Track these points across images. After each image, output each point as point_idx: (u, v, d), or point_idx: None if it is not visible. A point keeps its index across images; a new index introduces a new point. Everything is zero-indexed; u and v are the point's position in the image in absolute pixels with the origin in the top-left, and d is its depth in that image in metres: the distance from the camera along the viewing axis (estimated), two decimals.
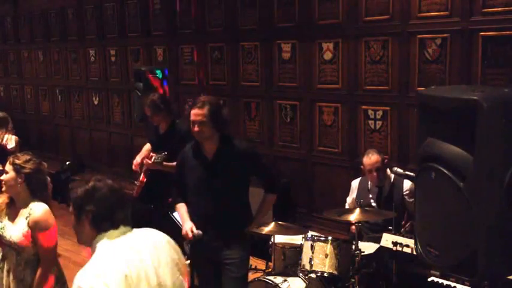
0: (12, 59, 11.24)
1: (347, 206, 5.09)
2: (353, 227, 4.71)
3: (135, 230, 2.38)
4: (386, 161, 4.85)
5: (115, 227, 2.29)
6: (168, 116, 5.24)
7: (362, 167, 4.85)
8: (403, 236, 4.17)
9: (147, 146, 5.49)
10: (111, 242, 2.26)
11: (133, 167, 5.43)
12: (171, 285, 2.32)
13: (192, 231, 3.62)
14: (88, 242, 2.34)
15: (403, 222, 4.60)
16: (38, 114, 10.82)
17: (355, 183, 5.07)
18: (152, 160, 5.09)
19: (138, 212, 4.95)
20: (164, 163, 5.00)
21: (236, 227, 3.78)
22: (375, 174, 4.74)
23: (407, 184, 4.73)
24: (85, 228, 2.31)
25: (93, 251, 2.28)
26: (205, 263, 3.80)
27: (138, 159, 5.40)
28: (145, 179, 5.39)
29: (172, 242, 2.48)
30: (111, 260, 2.20)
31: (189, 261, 5.27)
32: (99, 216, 2.28)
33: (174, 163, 4.32)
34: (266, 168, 3.97)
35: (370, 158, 4.75)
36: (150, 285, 2.23)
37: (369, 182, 4.91)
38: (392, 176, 4.77)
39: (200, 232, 3.61)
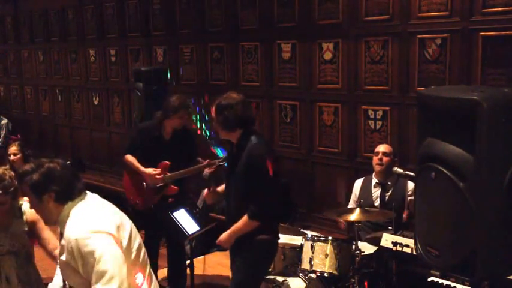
0: (12, 59, 11.24)
1: (350, 206, 5.09)
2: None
3: (88, 192, 2.63)
4: (395, 162, 4.88)
5: (78, 195, 2.54)
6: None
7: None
8: (403, 236, 4.17)
9: (132, 158, 4.94)
10: (84, 202, 2.53)
11: (156, 180, 4.90)
12: (139, 239, 2.62)
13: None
14: (54, 218, 2.56)
15: (404, 215, 4.62)
16: (38, 114, 10.82)
17: (358, 183, 5.09)
18: (217, 164, 5.00)
19: (138, 212, 4.98)
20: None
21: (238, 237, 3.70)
22: (379, 158, 4.86)
23: (411, 185, 4.73)
24: (49, 206, 2.51)
25: (63, 221, 2.50)
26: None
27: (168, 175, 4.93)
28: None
29: None
30: (99, 213, 2.51)
31: (188, 261, 5.29)
32: (62, 193, 2.50)
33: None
34: (258, 189, 3.53)
35: (381, 145, 5.01)
36: (132, 235, 2.54)
37: (372, 182, 4.93)
38: (397, 176, 4.79)
39: None
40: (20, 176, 2.57)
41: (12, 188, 3.13)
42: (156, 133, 4.86)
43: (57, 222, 2.58)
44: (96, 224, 2.44)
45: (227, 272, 5.78)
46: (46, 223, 2.67)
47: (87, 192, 2.61)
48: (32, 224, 3.31)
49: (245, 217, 3.57)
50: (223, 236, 3.72)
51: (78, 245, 2.37)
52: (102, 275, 2.33)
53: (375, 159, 4.89)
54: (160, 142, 4.86)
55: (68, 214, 2.49)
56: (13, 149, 5.13)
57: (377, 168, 4.87)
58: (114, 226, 2.47)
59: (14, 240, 3.26)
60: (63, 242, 2.48)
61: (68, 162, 2.79)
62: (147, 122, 5.24)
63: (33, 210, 3.26)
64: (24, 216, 3.30)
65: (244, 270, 3.71)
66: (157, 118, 4.92)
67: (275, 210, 3.67)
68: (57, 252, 2.99)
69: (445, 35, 5.23)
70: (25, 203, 3.31)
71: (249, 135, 3.60)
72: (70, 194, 2.51)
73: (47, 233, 3.39)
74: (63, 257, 2.47)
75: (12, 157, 5.11)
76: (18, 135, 9.49)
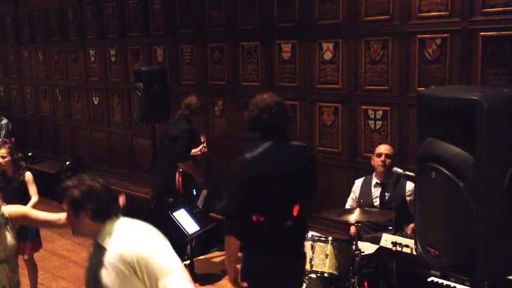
0: (12, 59, 11.24)
1: (347, 205, 5.09)
2: (352, 229, 4.73)
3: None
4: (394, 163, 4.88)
5: (114, 216, 2.65)
6: None
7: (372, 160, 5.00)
8: (403, 236, 4.17)
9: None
10: (125, 221, 2.66)
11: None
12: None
13: None
14: (87, 233, 2.69)
15: (405, 227, 4.60)
16: (38, 114, 10.82)
17: (358, 182, 5.09)
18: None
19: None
20: None
21: None
22: (383, 160, 4.85)
23: (409, 185, 4.74)
24: (84, 223, 2.63)
25: (104, 238, 2.60)
26: None
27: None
28: None
29: None
30: (143, 227, 2.65)
31: (188, 261, 5.29)
32: (97, 212, 2.60)
33: None
34: (227, 195, 3.39)
35: (383, 146, 5.00)
36: (167, 249, 2.60)
37: (373, 181, 4.93)
38: (396, 176, 4.79)
39: None
40: (62, 191, 2.67)
41: None
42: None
43: (86, 235, 2.73)
44: (148, 234, 2.61)
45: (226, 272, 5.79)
46: (73, 233, 2.74)
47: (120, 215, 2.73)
48: (23, 219, 3.31)
49: (226, 237, 3.39)
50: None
51: (139, 257, 2.49)
52: (170, 269, 2.48)
53: (378, 161, 4.87)
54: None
55: (111, 231, 2.61)
56: (1, 151, 5.13)
57: (379, 169, 4.86)
58: (161, 236, 2.64)
59: (7, 249, 3.27)
60: (108, 259, 2.55)
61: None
62: (187, 123, 5.71)
63: (12, 208, 3.31)
64: (9, 220, 3.27)
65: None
66: (184, 116, 5.65)
67: (248, 224, 3.33)
68: (63, 218, 3.09)
69: (445, 35, 5.23)
70: (3, 207, 3.29)
71: (261, 142, 3.40)
72: (106, 214, 2.63)
73: (40, 214, 3.40)
74: (110, 276, 2.53)
75: (0, 160, 5.10)
76: (13, 139, 9.51)
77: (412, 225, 4.48)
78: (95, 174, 2.98)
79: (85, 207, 2.59)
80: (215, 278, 5.43)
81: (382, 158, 4.85)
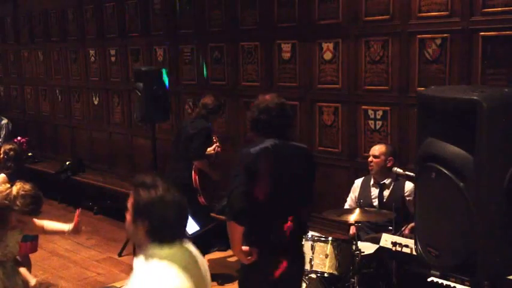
0: (12, 59, 11.23)
1: (347, 205, 5.10)
2: (352, 229, 4.74)
3: (185, 245, 2.33)
4: (390, 163, 4.87)
5: (169, 241, 2.24)
6: None
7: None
8: (402, 236, 4.17)
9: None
10: (167, 260, 2.21)
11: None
12: None
13: None
14: (139, 243, 2.31)
15: (406, 231, 4.60)
16: (38, 114, 10.81)
17: (358, 182, 5.11)
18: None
19: None
20: None
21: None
22: (370, 160, 4.92)
23: (408, 185, 4.74)
24: (139, 232, 2.26)
25: (142, 256, 2.25)
26: None
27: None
28: None
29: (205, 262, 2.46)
30: (168, 281, 2.18)
31: None
32: (155, 229, 2.22)
33: None
34: (231, 185, 3.39)
35: (374, 147, 5.04)
36: None
37: (371, 182, 4.94)
38: (395, 176, 4.80)
39: None
40: (134, 183, 2.31)
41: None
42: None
43: (137, 244, 2.43)
44: None
45: (227, 272, 5.79)
46: (128, 237, 2.42)
47: (181, 241, 2.32)
48: (41, 230, 3.32)
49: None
50: None
51: None
52: None
53: (369, 164, 4.96)
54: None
55: (148, 259, 2.23)
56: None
57: (369, 169, 4.94)
58: None
59: (6, 250, 3.25)
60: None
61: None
62: (205, 122, 5.71)
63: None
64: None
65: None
66: (201, 115, 5.68)
67: (247, 215, 3.37)
68: (65, 227, 3.05)
69: (445, 35, 5.23)
70: None
71: (261, 141, 3.46)
72: (161, 234, 2.23)
73: (46, 223, 3.42)
74: None
75: None
76: (24, 139, 9.62)
77: (411, 225, 4.49)
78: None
79: (144, 216, 2.22)
80: (215, 278, 5.43)
81: (370, 159, 4.92)
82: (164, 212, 2.21)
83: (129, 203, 2.29)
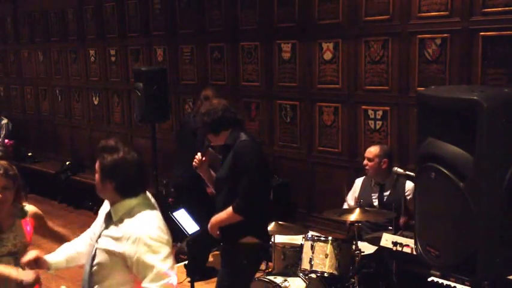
0: (12, 59, 11.23)
1: (346, 205, 5.09)
2: (352, 229, 4.75)
3: (146, 194, 2.70)
4: (384, 165, 4.83)
5: (135, 195, 2.61)
6: None
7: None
8: (402, 235, 4.17)
9: None
10: (147, 207, 2.62)
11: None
12: None
13: None
14: (109, 199, 2.67)
15: (401, 220, 4.61)
16: (38, 114, 10.81)
17: (358, 181, 5.10)
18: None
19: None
20: None
21: (224, 234, 3.71)
22: (365, 163, 4.89)
23: (409, 185, 4.74)
24: (107, 190, 2.62)
25: (119, 212, 2.61)
26: None
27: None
28: None
29: None
30: (159, 223, 2.61)
31: (187, 262, 5.28)
32: (121, 186, 2.58)
33: None
34: (245, 183, 3.52)
35: (369, 148, 4.99)
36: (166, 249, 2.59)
37: (372, 182, 4.94)
38: (395, 176, 4.79)
39: None
40: (100, 149, 2.64)
41: (13, 173, 3.15)
42: None
43: (106, 199, 2.72)
44: (161, 230, 2.58)
45: None
46: (97, 192, 2.70)
47: (146, 194, 2.70)
48: (37, 220, 3.32)
49: (230, 208, 3.58)
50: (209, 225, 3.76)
51: (145, 243, 2.49)
52: (161, 277, 2.48)
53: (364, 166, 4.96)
54: None
55: (130, 212, 2.59)
56: None
57: (365, 172, 4.94)
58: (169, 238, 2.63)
59: (16, 240, 3.26)
60: (117, 233, 2.58)
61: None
62: None
63: (37, 210, 3.35)
64: (28, 214, 3.30)
65: (229, 276, 3.70)
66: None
67: (262, 208, 3.66)
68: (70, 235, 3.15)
69: (445, 35, 5.23)
70: (27, 205, 3.32)
71: (237, 134, 3.67)
72: (128, 190, 2.60)
73: (52, 225, 3.43)
74: (114, 247, 2.56)
75: None
76: (11, 142, 9.60)
77: (403, 219, 4.55)
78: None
79: (111, 177, 2.57)
80: (214, 278, 5.43)
81: (365, 162, 4.91)
82: (127, 171, 2.57)
83: (97, 166, 2.63)
